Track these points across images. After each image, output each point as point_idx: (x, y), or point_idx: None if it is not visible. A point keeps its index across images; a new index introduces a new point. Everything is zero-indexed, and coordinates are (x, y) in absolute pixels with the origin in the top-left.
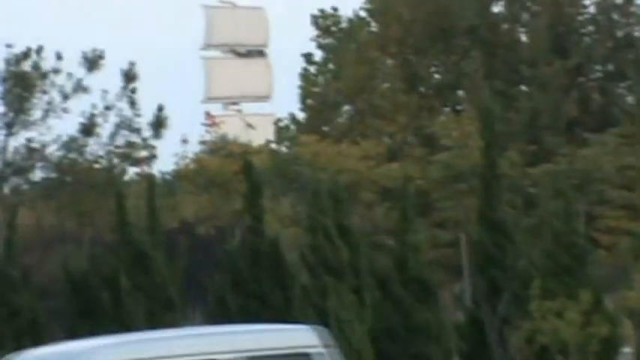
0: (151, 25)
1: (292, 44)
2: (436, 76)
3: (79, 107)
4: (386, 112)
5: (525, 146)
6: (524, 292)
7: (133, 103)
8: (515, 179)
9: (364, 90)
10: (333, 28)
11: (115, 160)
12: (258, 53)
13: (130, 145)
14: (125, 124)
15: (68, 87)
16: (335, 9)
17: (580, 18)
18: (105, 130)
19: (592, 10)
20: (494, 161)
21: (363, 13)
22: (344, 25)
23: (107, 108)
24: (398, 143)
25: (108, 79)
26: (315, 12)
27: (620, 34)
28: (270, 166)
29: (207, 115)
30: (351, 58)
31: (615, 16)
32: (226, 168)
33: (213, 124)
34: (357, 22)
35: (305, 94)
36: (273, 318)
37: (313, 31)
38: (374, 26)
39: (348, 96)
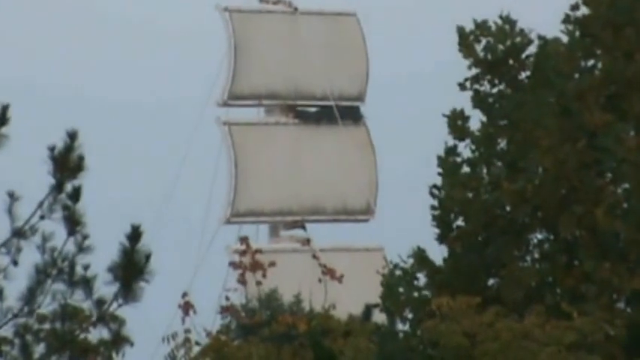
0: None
1: (414, 90)
2: None
3: None
4: (626, 246)
5: None
6: None
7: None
8: None
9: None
10: (511, 61)
11: (36, 349)
12: (347, 114)
13: (70, 312)
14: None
15: None
16: (510, 19)
17: None
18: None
19: None
20: None
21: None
22: (532, 47)
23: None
24: None
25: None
26: (460, 21)
27: None
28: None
29: (240, 245)
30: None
31: None
32: None
33: (248, 267)
34: (551, 41)
35: (446, 205)
36: None
37: (459, 66)
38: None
39: (541, 211)
